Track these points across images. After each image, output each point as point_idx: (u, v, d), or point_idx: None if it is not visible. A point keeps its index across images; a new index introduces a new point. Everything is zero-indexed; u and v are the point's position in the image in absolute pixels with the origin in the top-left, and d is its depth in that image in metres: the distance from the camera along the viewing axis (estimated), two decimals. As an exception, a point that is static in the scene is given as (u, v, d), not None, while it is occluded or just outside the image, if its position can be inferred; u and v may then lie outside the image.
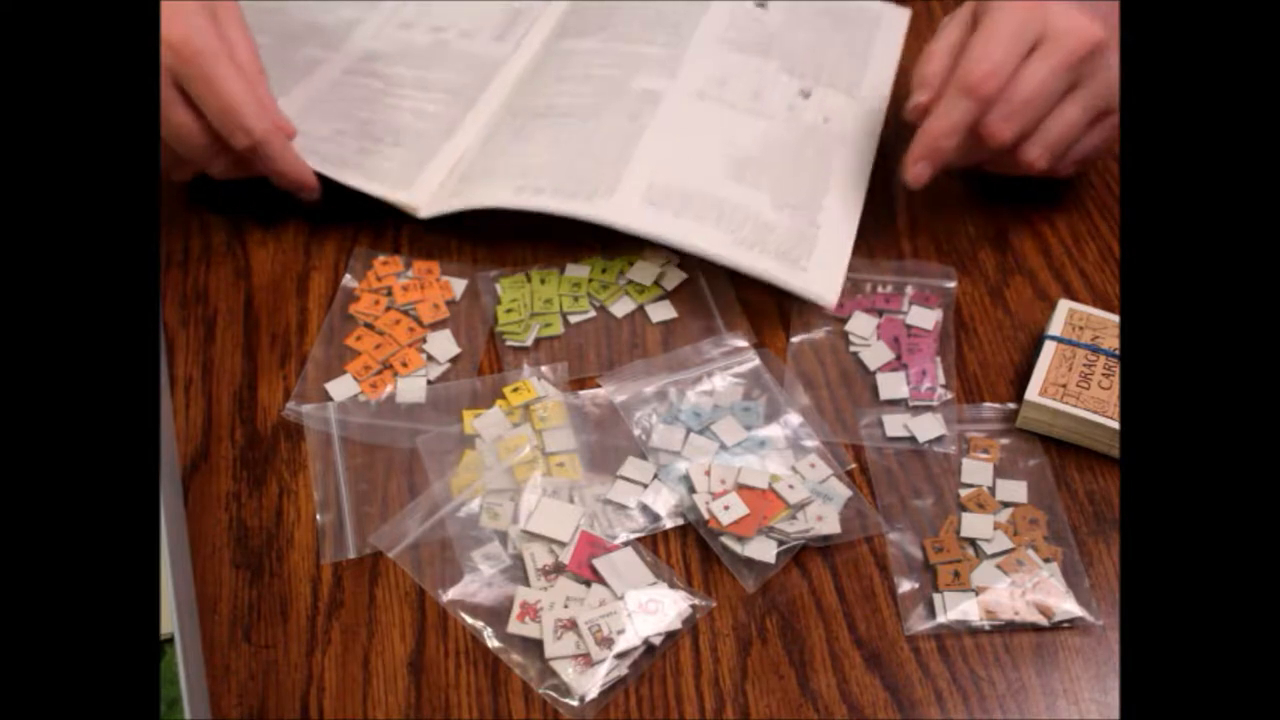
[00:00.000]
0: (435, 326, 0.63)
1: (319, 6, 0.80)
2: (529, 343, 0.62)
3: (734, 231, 0.63)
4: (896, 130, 0.72)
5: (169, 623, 0.48)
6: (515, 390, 0.59)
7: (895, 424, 0.58)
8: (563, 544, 0.53)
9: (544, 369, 0.60)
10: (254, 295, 0.65)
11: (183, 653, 0.48)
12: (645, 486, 0.56)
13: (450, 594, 0.52)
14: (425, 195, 0.68)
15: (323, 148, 0.68)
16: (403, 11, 0.80)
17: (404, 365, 0.61)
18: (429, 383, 0.60)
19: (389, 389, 0.60)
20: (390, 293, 0.64)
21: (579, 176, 0.65)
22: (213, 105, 0.60)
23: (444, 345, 0.62)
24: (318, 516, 0.55)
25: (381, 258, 0.66)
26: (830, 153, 0.70)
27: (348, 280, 0.65)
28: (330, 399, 0.59)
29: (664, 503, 0.55)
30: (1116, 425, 0.56)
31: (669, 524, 0.55)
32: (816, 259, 0.64)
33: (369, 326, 0.63)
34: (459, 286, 0.65)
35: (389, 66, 0.75)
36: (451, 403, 0.59)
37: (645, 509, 0.55)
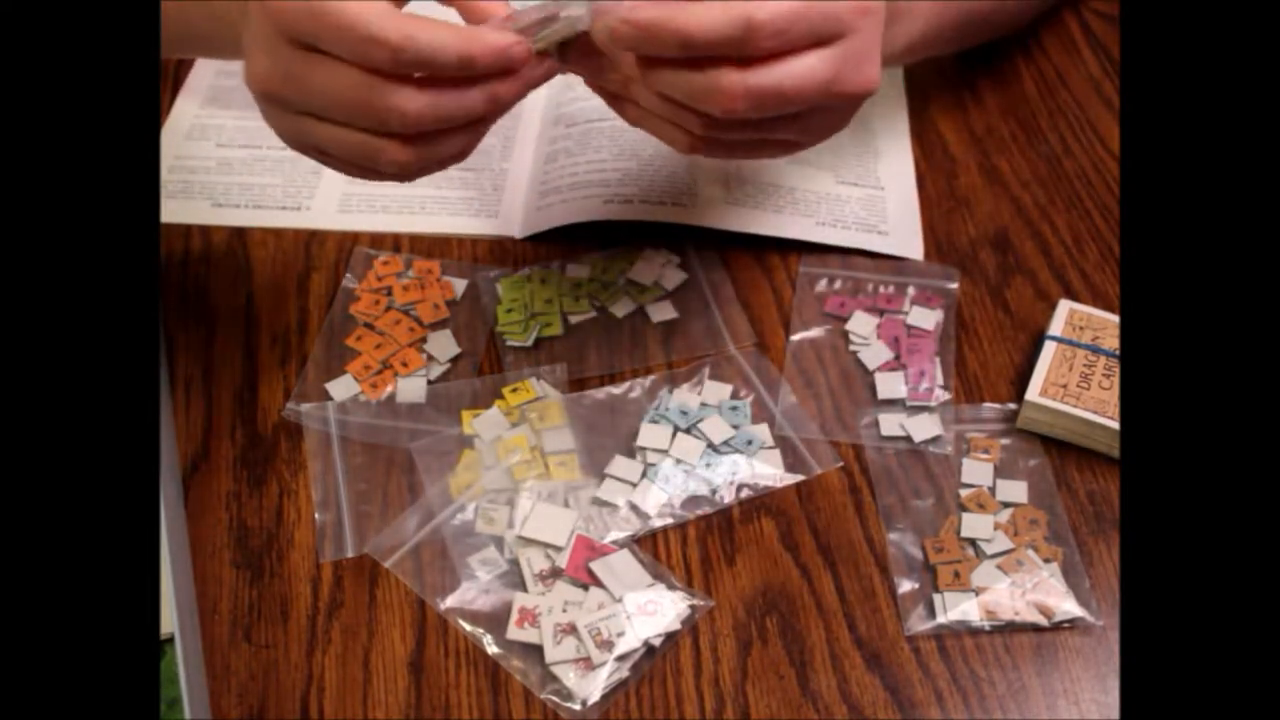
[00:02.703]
0: (435, 326, 0.63)
1: None
2: (529, 343, 0.62)
3: (812, 215, 0.68)
4: (910, 78, 0.77)
5: (169, 623, 0.48)
6: (514, 390, 0.59)
7: (891, 424, 0.58)
8: (559, 548, 0.53)
9: (543, 369, 0.60)
10: (254, 295, 0.65)
11: (183, 653, 0.48)
12: (634, 485, 0.56)
13: (448, 601, 0.52)
14: (517, 220, 0.69)
15: (401, 192, 0.69)
16: None
17: (404, 365, 0.61)
18: (429, 383, 0.60)
19: (389, 389, 0.60)
20: (390, 293, 0.64)
21: (659, 186, 0.68)
22: None
23: (444, 345, 0.62)
24: (316, 516, 0.55)
25: (382, 258, 0.66)
26: (868, 116, 0.74)
27: (348, 280, 0.65)
28: (330, 399, 0.59)
29: (653, 502, 0.55)
30: (1116, 425, 0.56)
31: (659, 523, 0.55)
32: (892, 221, 0.68)
33: (369, 327, 0.63)
34: (459, 286, 0.65)
35: None
36: (451, 403, 0.59)
37: (634, 508, 0.55)
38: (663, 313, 0.64)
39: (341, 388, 0.60)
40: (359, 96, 0.46)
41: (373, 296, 0.64)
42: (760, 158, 0.53)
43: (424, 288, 0.64)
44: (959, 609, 0.52)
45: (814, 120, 0.50)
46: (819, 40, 0.46)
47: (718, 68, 0.46)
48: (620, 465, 0.56)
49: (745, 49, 0.45)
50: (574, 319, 0.63)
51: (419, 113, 0.46)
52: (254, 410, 0.59)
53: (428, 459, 0.57)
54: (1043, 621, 0.52)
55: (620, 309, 0.64)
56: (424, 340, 0.62)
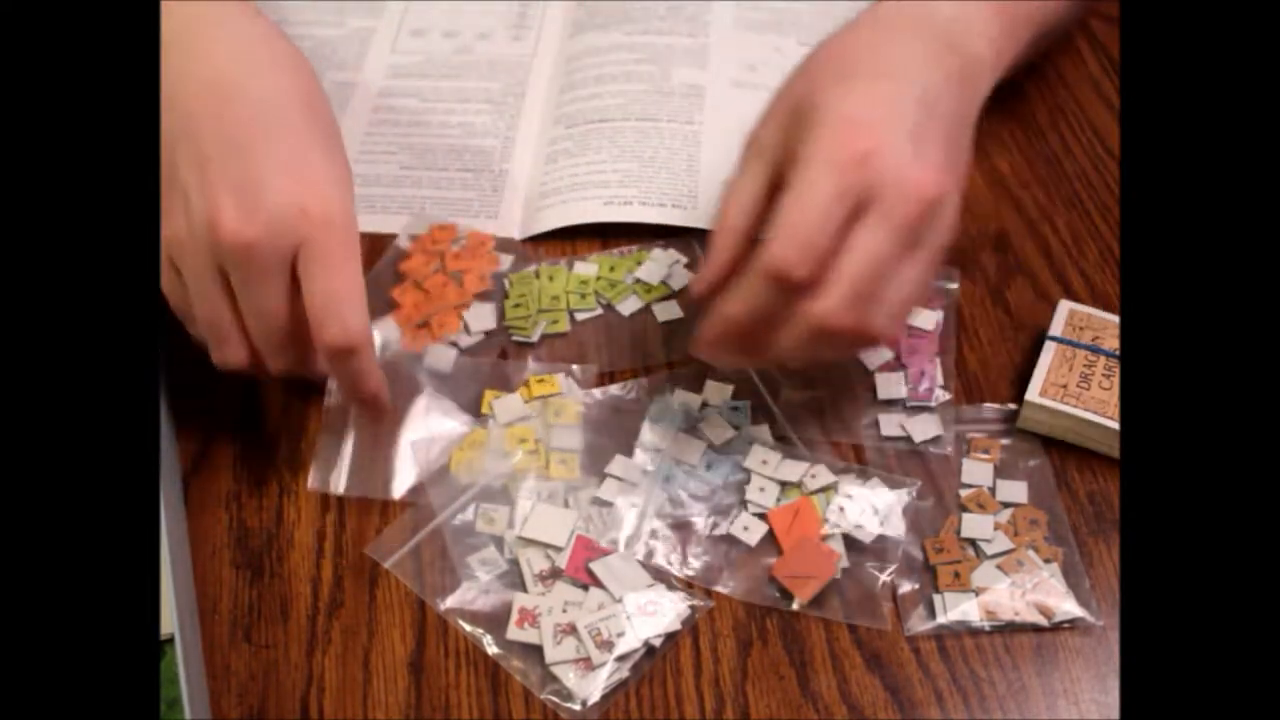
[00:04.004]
0: (479, 297, 0.63)
1: (321, 17, 0.80)
2: (534, 338, 0.62)
3: None
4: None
5: (169, 623, 0.48)
6: (541, 381, 0.59)
7: (891, 424, 0.58)
8: (559, 549, 0.53)
9: (574, 368, 0.60)
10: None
11: (183, 653, 0.48)
12: (634, 485, 0.56)
13: (448, 602, 0.52)
14: (516, 220, 0.69)
15: (401, 193, 0.69)
16: (409, 18, 0.80)
17: (440, 328, 0.62)
18: (460, 351, 0.61)
19: (422, 350, 0.61)
20: (442, 257, 0.65)
21: (659, 188, 0.68)
22: (322, 287, 0.50)
23: (483, 317, 0.62)
24: (318, 442, 0.57)
25: (439, 223, 0.67)
26: None
27: (400, 239, 0.65)
28: None
29: (652, 502, 0.55)
30: (1117, 426, 0.56)
31: (658, 524, 0.55)
32: None
33: (416, 285, 0.63)
34: (506, 261, 0.65)
35: (420, 80, 0.76)
36: (474, 379, 0.60)
37: (635, 508, 0.55)
38: (668, 312, 0.64)
39: (383, 329, 0.61)
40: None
41: (425, 257, 0.65)
42: (928, 286, 0.52)
43: (475, 257, 0.65)
44: (959, 609, 0.52)
45: (925, 237, 0.49)
46: (853, 208, 0.47)
47: (804, 307, 0.47)
48: (620, 465, 0.56)
49: (798, 282, 0.46)
50: (580, 316, 0.63)
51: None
52: (255, 409, 0.59)
53: (427, 455, 0.57)
54: (1043, 622, 0.52)
55: (627, 307, 0.64)
56: (467, 306, 0.63)
